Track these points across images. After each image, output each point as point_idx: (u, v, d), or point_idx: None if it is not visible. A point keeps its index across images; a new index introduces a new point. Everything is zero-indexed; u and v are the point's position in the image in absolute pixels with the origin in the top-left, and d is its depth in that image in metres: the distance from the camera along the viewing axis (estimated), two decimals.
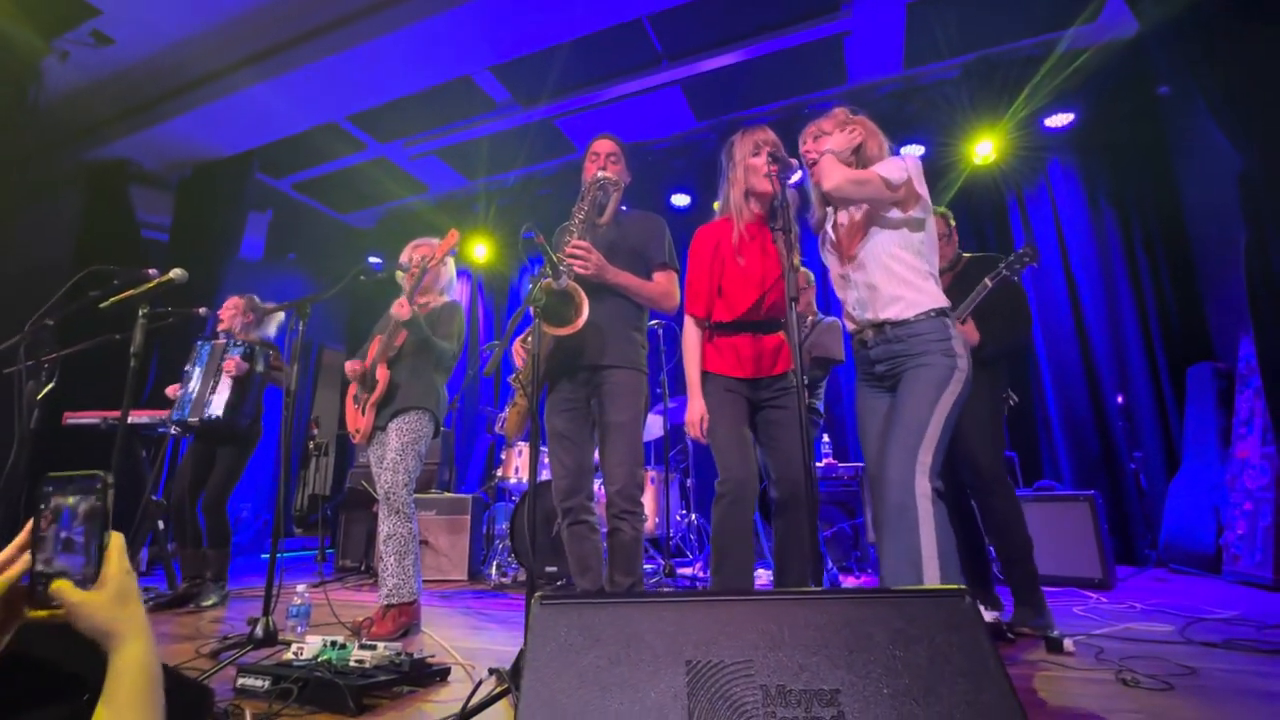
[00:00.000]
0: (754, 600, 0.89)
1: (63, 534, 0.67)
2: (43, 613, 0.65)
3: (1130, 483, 4.19)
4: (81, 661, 1.17)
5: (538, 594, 0.90)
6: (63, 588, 0.64)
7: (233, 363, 3.15)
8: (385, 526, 2.40)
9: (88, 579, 0.66)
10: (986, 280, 2.38)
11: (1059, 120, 4.66)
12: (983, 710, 0.76)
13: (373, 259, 6.76)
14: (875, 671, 0.80)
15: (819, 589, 1.05)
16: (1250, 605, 2.64)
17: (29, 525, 0.67)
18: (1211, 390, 3.84)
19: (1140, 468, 4.16)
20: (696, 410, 1.95)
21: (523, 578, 3.89)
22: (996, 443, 2.40)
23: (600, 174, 2.13)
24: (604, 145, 2.27)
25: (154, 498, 3.57)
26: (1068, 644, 1.95)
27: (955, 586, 0.89)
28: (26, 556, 0.66)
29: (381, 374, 2.53)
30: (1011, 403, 2.59)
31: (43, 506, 0.67)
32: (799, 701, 0.78)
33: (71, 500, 0.68)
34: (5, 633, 0.66)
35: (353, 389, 2.65)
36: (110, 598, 0.66)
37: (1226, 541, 3.42)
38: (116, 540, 0.68)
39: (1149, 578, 3.58)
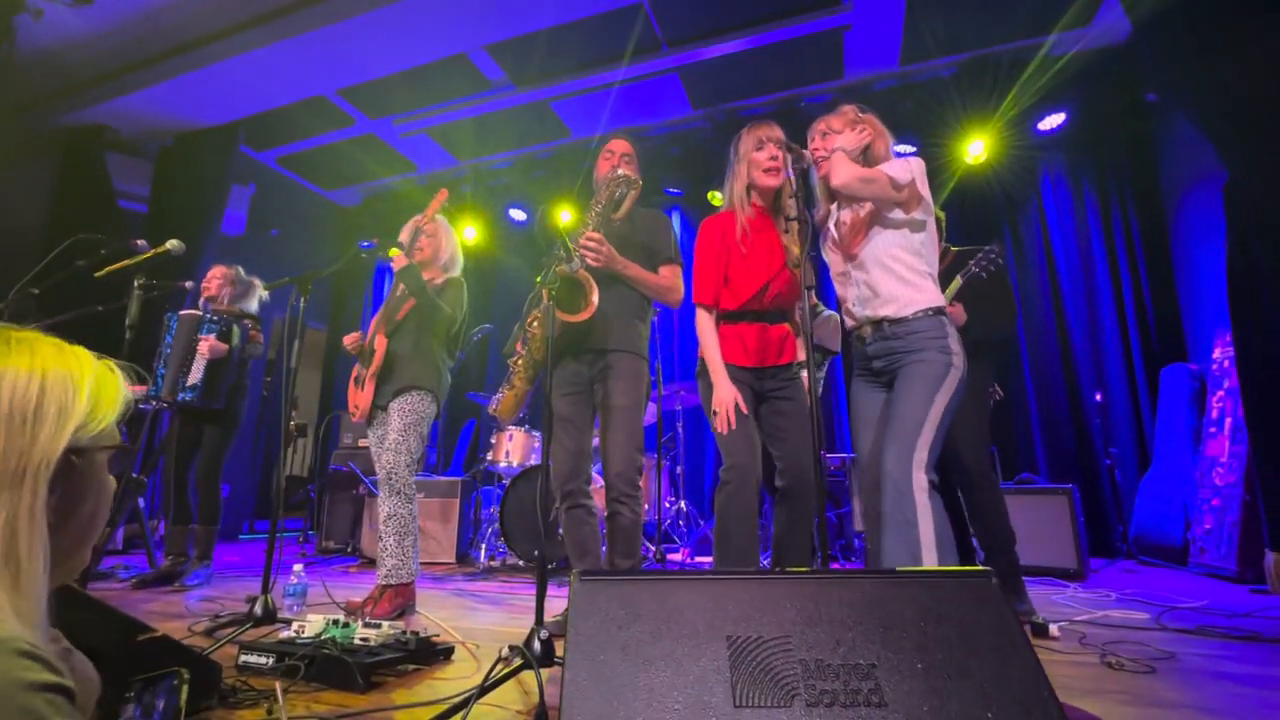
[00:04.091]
0: (790, 579, 0.91)
1: None
2: None
3: (1104, 478, 4.34)
4: (98, 637, 1.17)
5: (576, 570, 0.92)
6: None
7: (208, 345, 3.06)
8: (386, 507, 2.39)
9: None
10: (958, 277, 2.44)
11: (1050, 122, 4.75)
12: (1012, 685, 0.79)
13: (363, 243, 6.68)
14: (908, 647, 0.83)
15: (853, 570, 1.08)
16: (1217, 595, 2.78)
17: None
18: (1184, 391, 3.98)
19: (1114, 464, 4.30)
20: (729, 393, 1.94)
21: (511, 561, 3.89)
22: (982, 437, 2.46)
23: (620, 171, 2.16)
24: (620, 145, 2.31)
25: (133, 474, 3.50)
26: (1053, 629, 2.02)
27: (980, 568, 0.93)
28: None
29: (379, 344, 2.50)
30: (997, 397, 2.65)
31: None
32: (837, 675, 0.81)
33: None
34: None
35: (355, 370, 2.62)
36: None
37: (1194, 535, 3.57)
38: None
39: (1119, 569, 3.72)
